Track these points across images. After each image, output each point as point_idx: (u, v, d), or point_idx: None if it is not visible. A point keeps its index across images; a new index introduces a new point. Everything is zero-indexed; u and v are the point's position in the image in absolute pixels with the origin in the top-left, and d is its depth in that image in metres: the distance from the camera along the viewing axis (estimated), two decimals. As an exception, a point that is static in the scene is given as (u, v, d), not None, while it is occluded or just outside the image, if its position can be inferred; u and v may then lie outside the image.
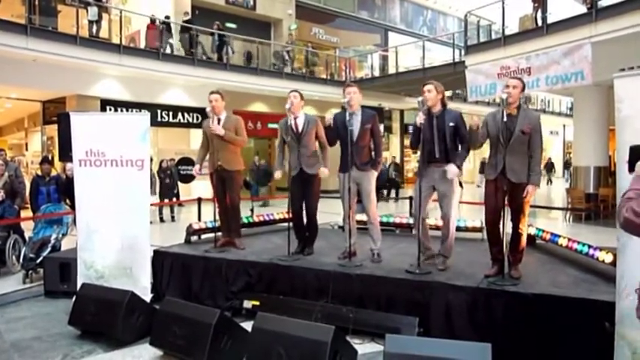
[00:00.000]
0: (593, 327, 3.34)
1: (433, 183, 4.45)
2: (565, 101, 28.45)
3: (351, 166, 4.72)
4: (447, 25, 27.77)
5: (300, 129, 5.12)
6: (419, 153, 4.46)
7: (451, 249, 4.54)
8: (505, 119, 4.00)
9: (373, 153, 4.92)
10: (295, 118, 5.11)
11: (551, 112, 28.90)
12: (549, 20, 11.18)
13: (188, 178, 14.67)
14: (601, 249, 4.38)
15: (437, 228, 5.03)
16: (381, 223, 5.49)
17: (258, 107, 18.37)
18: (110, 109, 14.39)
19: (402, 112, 23.70)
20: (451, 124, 4.37)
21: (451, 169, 4.32)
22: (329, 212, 6.71)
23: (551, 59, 10.38)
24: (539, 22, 11.51)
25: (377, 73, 20.64)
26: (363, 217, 5.34)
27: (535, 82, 10.71)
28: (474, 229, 6.03)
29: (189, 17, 15.13)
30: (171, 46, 14.84)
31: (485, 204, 4.16)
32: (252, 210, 11.38)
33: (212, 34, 16.01)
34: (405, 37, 23.68)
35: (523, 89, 4.14)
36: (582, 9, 10.73)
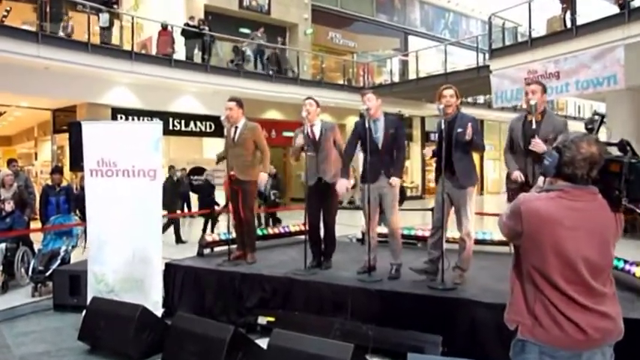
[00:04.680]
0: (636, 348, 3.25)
1: (447, 191, 4.43)
2: (596, 107, 28.09)
3: (377, 176, 4.71)
4: (469, 27, 27.69)
5: (317, 137, 5.14)
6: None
7: (469, 262, 4.50)
8: (525, 126, 3.99)
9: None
10: (312, 126, 5.13)
11: (581, 118, 28.55)
12: (579, 22, 11.09)
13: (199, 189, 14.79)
14: (638, 264, 4.30)
15: (454, 241, 4.99)
16: (402, 236, 5.46)
17: (273, 115, 18.48)
18: (121, 118, 14.59)
19: (422, 119, 23.63)
20: (459, 130, 4.35)
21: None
22: (346, 224, 6.70)
23: (581, 63, 10.29)
24: (568, 24, 11.42)
25: (396, 79, 20.64)
26: (383, 229, 5.32)
27: (564, 86, 10.61)
28: (501, 243, 5.96)
29: (194, 23, 15.30)
30: (191, 51, 15.01)
31: None
32: (273, 219, 11.47)
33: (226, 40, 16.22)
34: (425, 40, 23.67)
35: (544, 92, 4.12)
36: (614, 9, 10.63)
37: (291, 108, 17.61)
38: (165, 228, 10.43)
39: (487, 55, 14.45)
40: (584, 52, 10.33)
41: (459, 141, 4.34)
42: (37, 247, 7.01)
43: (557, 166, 2.02)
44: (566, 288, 1.95)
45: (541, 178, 2.24)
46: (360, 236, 6.84)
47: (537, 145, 3.85)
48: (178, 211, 12.19)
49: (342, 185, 4.83)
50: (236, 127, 5.40)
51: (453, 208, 4.54)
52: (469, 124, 4.22)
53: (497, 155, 25.69)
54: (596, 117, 2.55)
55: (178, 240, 10.56)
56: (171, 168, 12.02)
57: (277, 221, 11.10)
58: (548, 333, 1.98)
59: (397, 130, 4.78)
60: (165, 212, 11.79)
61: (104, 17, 13.48)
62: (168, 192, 11.43)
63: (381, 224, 5.38)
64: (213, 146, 13.44)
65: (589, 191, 2.01)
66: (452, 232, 5.07)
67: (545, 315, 1.99)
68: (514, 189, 4.14)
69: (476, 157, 4.71)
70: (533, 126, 3.97)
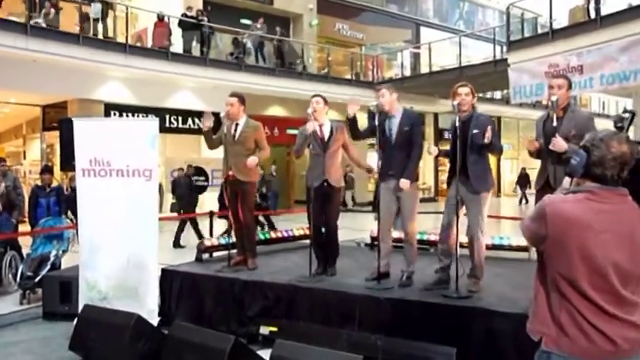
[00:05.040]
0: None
1: (459, 195, 4.42)
2: (622, 103, 27.97)
3: (389, 176, 4.72)
4: (486, 18, 27.66)
5: (326, 137, 5.16)
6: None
7: (482, 269, 4.50)
8: (546, 124, 3.99)
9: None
10: (321, 126, 5.15)
11: (606, 115, 28.44)
12: (603, 12, 11.05)
13: (201, 190, 14.85)
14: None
15: (466, 246, 4.99)
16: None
17: (276, 111, 18.53)
18: (114, 114, 14.66)
19: (435, 115, 23.62)
20: (475, 130, 4.34)
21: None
22: (354, 228, 6.70)
23: (607, 56, 10.25)
24: (592, 14, 11.39)
25: (408, 73, 20.66)
26: (396, 233, 5.32)
27: (588, 81, 10.58)
28: (520, 249, 5.95)
29: (192, 13, 15.35)
30: (189, 43, 15.06)
31: None
32: (269, 225, 11.43)
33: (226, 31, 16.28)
34: (439, 32, 23.66)
35: (570, 87, 4.11)
36: (641, -1, 10.59)
37: (295, 104, 17.65)
38: (181, 229, 10.57)
39: (505, 48, 14.44)
40: (609, 44, 10.30)
41: (474, 143, 4.33)
42: (25, 251, 7.04)
43: (585, 166, 2.01)
44: (594, 296, 1.94)
45: (566, 179, 2.23)
46: (368, 241, 6.84)
47: (557, 144, 3.83)
48: (174, 214, 12.25)
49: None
50: (237, 125, 5.41)
51: (463, 213, 4.54)
52: (488, 128, 4.21)
53: (516, 155, 25.66)
54: (626, 114, 2.54)
55: (177, 244, 10.59)
56: (189, 167, 12.33)
57: (271, 227, 10.97)
58: (575, 344, 1.97)
59: (412, 128, 4.74)
60: (179, 211, 11.91)
61: (96, 7, 13.57)
62: (185, 189, 11.58)
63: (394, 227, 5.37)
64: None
65: (619, 193, 2.01)
66: (462, 236, 5.08)
67: (572, 325, 1.98)
68: (537, 191, 4.14)
69: (492, 157, 4.70)
70: (554, 123, 3.96)
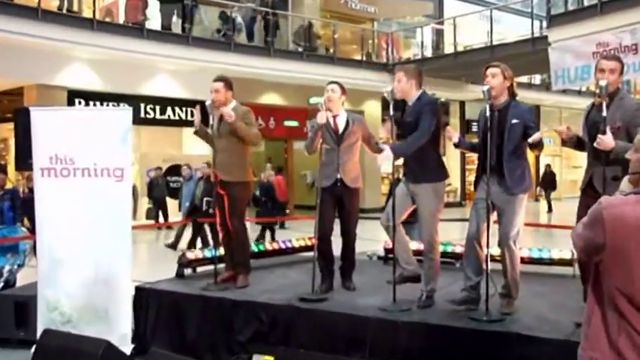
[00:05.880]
0: None
1: (490, 198, 4.42)
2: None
3: (403, 174, 4.75)
4: (522, -12, 27.62)
5: (340, 129, 5.21)
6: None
7: (516, 286, 4.50)
8: (590, 114, 4.01)
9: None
10: (335, 117, 5.20)
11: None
12: (663, -20, 11.04)
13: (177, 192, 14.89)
14: None
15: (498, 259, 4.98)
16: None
17: (272, 99, 18.55)
18: (79, 103, 14.73)
19: (462, 103, 23.63)
20: (514, 121, 4.34)
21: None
22: (364, 238, 6.69)
23: (667, 33, 10.22)
24: (649, -17, 11.36)
25: (429, 54, 20.65)
26: (414, 244, 5.33)
27: (644, 63, 10.53)
28: (562, 262, 5.94)
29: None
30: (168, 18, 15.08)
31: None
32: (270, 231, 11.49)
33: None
34: (466, 5, 23.61)
35: (622, 71, 4.11)
36: None
37: (295, 90, 17.67)
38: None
39: (545, 23, 14.42)
40: (670, 18, 10.28)
41: (512, 136, 4.33)
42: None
43: None
44: None
45: (625, 180, 2.23)
46: (382, 253, 6.84)
47: (602, 142, 3.78)
48: (150, 221, 12.29)
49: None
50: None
51: (494, 220, 4.52)
52: (536, 134, 4.20)
53: (558, 150, 25.56)
54: None
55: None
56: (209, 165, 12.31)
57: (205, 243, 10.81)
58: None
59: (420, 115, 4.64)
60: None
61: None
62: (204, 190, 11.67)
63: (410, 237, 5.37)
64: (196, 139, 13.40)
65: None
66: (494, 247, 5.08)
67: (632, 350, 1.96)
68: (581, 192, 4.14)
69: (530, 154, 4.69)
70: (604, 113, 3.95)
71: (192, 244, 10.94)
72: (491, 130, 4.38)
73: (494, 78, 4.40)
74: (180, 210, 12.85)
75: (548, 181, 21.54)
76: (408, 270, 4.81)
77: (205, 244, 10.54)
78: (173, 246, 11.22)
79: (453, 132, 4.74)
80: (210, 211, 10.56)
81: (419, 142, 4.58)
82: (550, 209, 20.83)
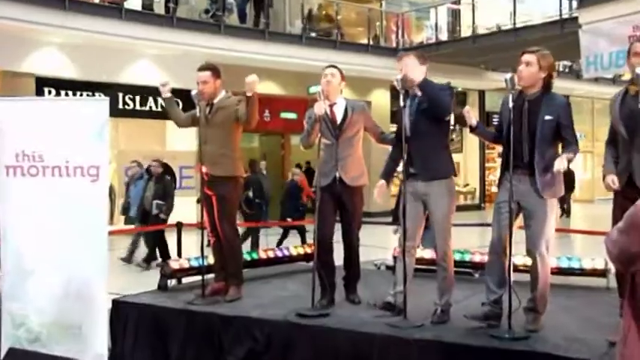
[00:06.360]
0: None
1: (517, 198, 4.41)
2: None
3: (412, 176, 4.75)
4: (549, -37, 27.63)
5: (338, 119, 5.20)
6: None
7: (545, 300, 4.50)
8: (625, 103, 4.02)
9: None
10: (332, 106, 5.19)
11: None
12: None
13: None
14: None
15: (525, 269, 4.97)
16: (454, 264, 5.43)
17: (267, 88, 18.48)
18: (49, 93, 14.74)
19: (481, 93, 23.63)
20: (547, 117, 4.34)
21: (559, 160, 4.28)
22: (371, 245, 6.70)
23: None
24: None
25: (444, 37, 20.62)
26: (428, 253, 5.32)
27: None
28: (595, 273, 5.94)
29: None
30: None
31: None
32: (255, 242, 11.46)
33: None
34: (486, -18, 23.65)
35: None
36: None
37: (293, 78, 17.65)
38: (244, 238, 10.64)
39: (575, 3, 14.40)
40: None
41: (545, 132, 4.33)
42: None
43: None
44: None
45: None
46: (391, 262, 6.84)
47: None
48: (130, 226, 12.25)
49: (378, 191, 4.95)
50: (212, 105, 5.43)
51: (518, 225, 4.52)
52: (564, 158, 4.23)
53: (590, 146, 25.56)
54: None
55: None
56: (255, 163, 12.58)
57: (161, 256, 10.60)
58: None
59: (425, 103, 4.67)
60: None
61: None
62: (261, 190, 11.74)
63: (420, 245, 5.37)
64: (181, 133, 13.47)
65: None
66: (518, 256, 5.08)
67: None
68: (616, 192, 4.14)
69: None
70: (631, 102, 3.96)
71: (150, 257, 10.77)
72: (520, 122, 4.38)
73: (528, 67, 4.36)
74: (122, 214, 12.62)
75: (566, 182, 21.23)
76: (391, 295, 4.86)
77: (165, 256, 10.19)
78: (127, 259, 11.04)
79: (470, 116, 4.70)
80: (162, 216, 10.59)
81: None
82: (567, 213, 19.91)
